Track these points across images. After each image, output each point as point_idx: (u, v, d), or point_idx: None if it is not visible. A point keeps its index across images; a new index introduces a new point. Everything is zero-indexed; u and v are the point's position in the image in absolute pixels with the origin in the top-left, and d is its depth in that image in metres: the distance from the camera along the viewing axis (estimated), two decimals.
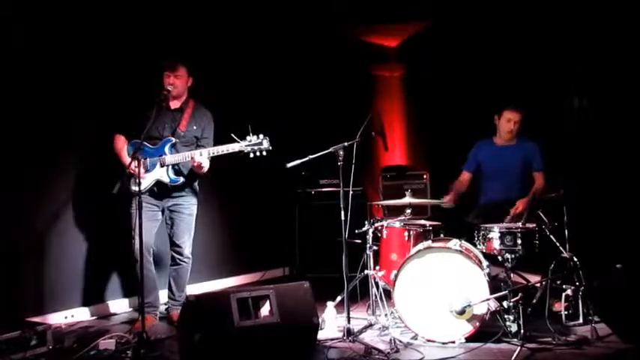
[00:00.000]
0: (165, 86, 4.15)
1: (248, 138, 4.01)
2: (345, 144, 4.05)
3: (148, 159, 4.15)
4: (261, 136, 4.01)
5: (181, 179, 4.22)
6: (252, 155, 4.03)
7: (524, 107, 4.75)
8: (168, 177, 4.17)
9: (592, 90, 5.34)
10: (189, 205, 4.35)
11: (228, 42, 5.68)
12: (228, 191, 5.65)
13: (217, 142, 4.30)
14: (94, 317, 4.60)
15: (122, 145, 4.26)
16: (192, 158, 4.08)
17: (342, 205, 3.96)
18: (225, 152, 4.08)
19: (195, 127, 4.29)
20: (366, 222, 4.38)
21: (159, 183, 4.20)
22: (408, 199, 4.38)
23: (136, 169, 3.74)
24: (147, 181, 4.15)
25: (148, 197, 4.19)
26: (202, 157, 4.07)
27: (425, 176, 6.05)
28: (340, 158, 3.98)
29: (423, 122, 6.62)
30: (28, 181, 4.27)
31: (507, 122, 4.70)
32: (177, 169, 4.23)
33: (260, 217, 6.04)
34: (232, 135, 4.01)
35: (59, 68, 4.41)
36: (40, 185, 4.37)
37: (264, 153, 4.02)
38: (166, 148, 4.17)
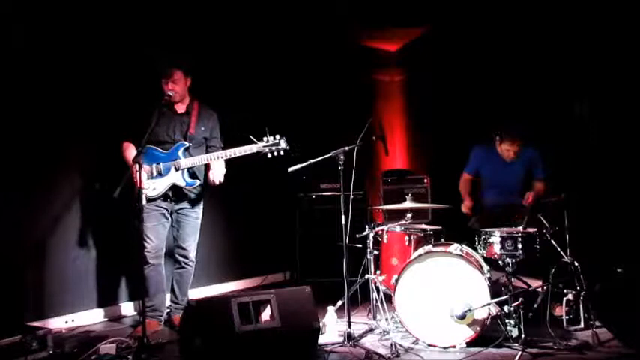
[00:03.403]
0: (165, 92, 4.17)
1: (265, 139, 4.05)
2: (346, 148, 4.05)
3: (161, 164, 4.18)
4: (277, 136, 4.06)
5: (198, 182, 4.26)
6: (269, 156, 4.08)
7: (522, 134, 4.61)
8: (184, 180, 4.19)
9: (593, 95, 5.34)
10: (196, 209, 4.37)
11: (229, 46, 5.69)
12: (229, 195, 5.64)
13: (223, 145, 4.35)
14: (95, 321, 4.59)
15: (131, 152, 4.25)
16: (206, 164, 4.16)
17: (342, 210, 3.96)
18: (244, 154, 4.11)
19: (203, 129, 4.32)
20: (367, 226, 4.37)
21: (174, 187, 4.21)
22: (408, 204, 4.39)
23: (138, 174, 3.74)
24: (162, 185, 4.18)
25: (158, 201, 4.21)
26: (219, 168, 4.17)
27: (425, 180, 6.03)
28: (341, 163, 3.98)
29: (424, 126, 6.62)
30: (30, 185, 4.27)
31: (507, 152, 4.64)
32: (192, 173, 4.25)
33: (261, 222, 6.04)
34: (250, 137, 4.05)
35: (61, 70, 4.42)
36: (42, 189, 4.37)
37: (282, 153, 4.07)
38: (180, 152, 4.19)
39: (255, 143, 4.06)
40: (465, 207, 4.80)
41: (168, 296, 4.48)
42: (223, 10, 5.54)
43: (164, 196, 4.21)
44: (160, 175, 4.17)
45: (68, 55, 4.45)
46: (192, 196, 4.31)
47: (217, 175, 4.20)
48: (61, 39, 4.41)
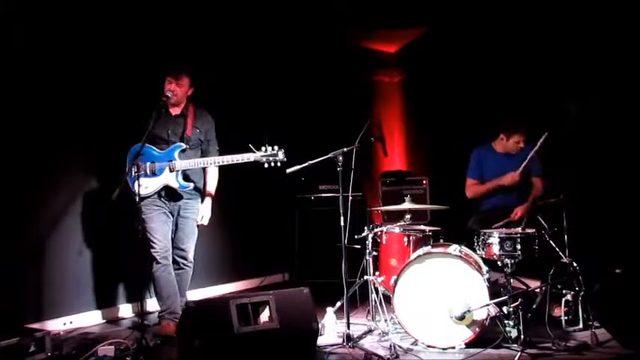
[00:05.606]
0: (164, 92, 4.16)
1: (263, 149, 4.07)
2: (345, 149, 4.05)
3: (156, 163, 4.16)
4: (276, 147, 4.08)
5: (191, 185, 4.25)
6: (266, 165, 4.09)
7: (525, 115, 4.79)
8: (178, 182, 4.18)
9: (592, 94, 5.34)
10: (194, 210, 4.36)
11: (229, 47, 5.69)
12: (227, 197, 5.63)
13: (221, 149, 4.36)
14: (94, 323, 4.59)
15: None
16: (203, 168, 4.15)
17: (341, 211, 3.95)
18: (241, 162, 4.13)
19: (199, 131, 4.32)
20: (366, 227, 4.37)
21: (166, 188, 4.20)
22: (407, 205, 4.38)
23: (135, 175, 3.74)
24: (154, 184, 4.16)
25: (158, 201, 4.20)
26: (208, 210, 4.33)
27: (424, 181, 6.04)
28: (340, 164, 3.98)
29: (423, 127, 6.62)
30: (28, 187, 4.26)
31: (516, 143, 4.69)
32: (185, 175, 4.24)
33: (259, 223, 6.04)
34: (250, 145, 4.06)
35: (61, 69, 4.42)
36: (40, 190, 4.36)
37: (279, 164, 4.09)
38: (176, 154, 4.18)
39: (254, 152, 4.07)
40: (512, 177, 4.61)
41: None
42: (223, 11, 5.54)
43: (157, 195, 4.19)
44: (153, 174, 4.15)
45: (67, 55, 4.45)
46: (186, 197, 4.28)
47: (206, 217, 4.36)
48: (60, 39, 4.41)
